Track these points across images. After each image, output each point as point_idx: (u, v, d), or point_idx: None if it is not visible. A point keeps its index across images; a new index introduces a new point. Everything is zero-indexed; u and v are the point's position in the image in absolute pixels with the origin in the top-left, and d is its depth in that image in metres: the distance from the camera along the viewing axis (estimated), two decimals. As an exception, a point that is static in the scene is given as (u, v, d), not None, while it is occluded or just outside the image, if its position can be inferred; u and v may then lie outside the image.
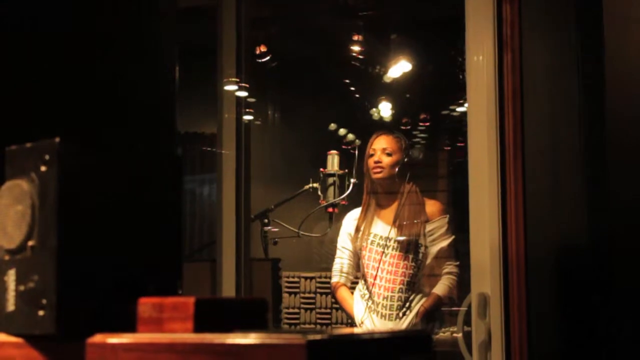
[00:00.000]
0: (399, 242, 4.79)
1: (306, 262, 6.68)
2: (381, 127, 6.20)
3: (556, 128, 3.47)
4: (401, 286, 4.74)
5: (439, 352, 4.66)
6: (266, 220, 5.17)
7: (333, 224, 5.22)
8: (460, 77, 4.85)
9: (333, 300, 5.86)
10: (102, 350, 1.25)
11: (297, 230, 5.29)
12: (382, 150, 4.89)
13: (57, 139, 1.29)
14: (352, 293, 4.97)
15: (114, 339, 1.24)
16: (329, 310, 6.30)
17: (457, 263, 4.85)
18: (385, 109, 7.20)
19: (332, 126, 7.10)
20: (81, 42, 1.98)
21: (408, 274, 4.76)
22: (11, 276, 1.33)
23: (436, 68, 6.78)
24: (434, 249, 4.81)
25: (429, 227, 4.82)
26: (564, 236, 3.38)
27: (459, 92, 5.37)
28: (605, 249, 3.22)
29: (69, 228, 1.29)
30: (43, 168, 1.30)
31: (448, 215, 4.91)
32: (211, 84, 4.41)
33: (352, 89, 7.16)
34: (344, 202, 5.19)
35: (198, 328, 1.24)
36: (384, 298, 4.75)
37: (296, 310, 6.34)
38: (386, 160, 4.86)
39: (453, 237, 4.84)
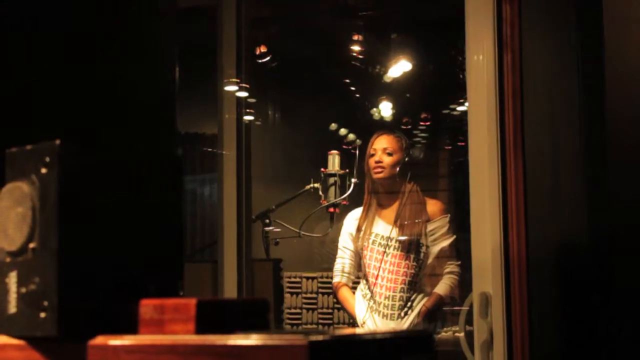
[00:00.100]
0: (400, 241, 4.79)
1: (308, 262, 6.69)
2: (382, 126, 6.21)
3: (556, 128, 3.46)
4: (403, 286, 4.74)
5: (441, 351, 4.66)
6: (267, 221, 5.17)
7: (334, 224, 5.22)
8: (461, 76, 4.85)
9: (335, 300, 5.86)
10: (104, 352, 1.25)
11: (298, 231, 5.29)
12: (382, 150, 4.89)
13: (58, 141, 1.29)
14: (354, 293, 4.97)
15: (115, 341, 1.24)
16: (330, 311, 6.31)
17: (459, 262, 4.85)
18: (385, 109, 7.21)
19: (333, 126, 7.11)
20: (81, 42, 1.98)
21: (409, 273, 4.76)
22: (12, 278, 1.33)
23: (436, 68, 6.79)
24: (435, 249, 4.81)
25: (430, 227, 4.82)
26: (564, 235, 3.38)
27: (459, 92, 5.37)
28: (606, 248, 3.22)
29: (70, 230, 1.29)
30: (43, 170, 1.30)
31: (449, 215, 4.91)
32: (211, 85, 4.41)
33: (353, 88, 7.16)
34: (345, 202, 5.18)
35: (200, 329, 1.24)
36: (385, 298, 4.75)
37: (298, 311, 6.35)
38: (387, 160, 4.86)
39: (454, 236, 4.84)
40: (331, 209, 5.18)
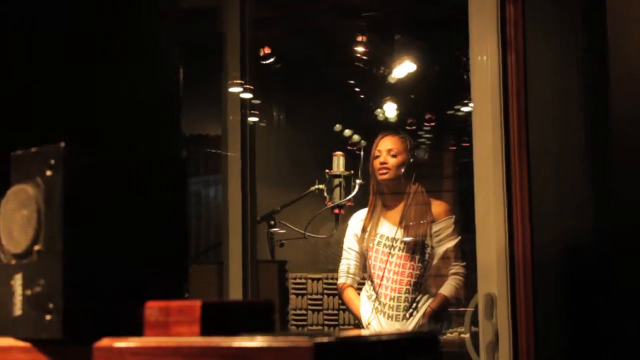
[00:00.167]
0: (405, 242, 4.79)
1: (313, 263, 6.69)
2: (386, 127, 6.20)
3: (561, 128, 3.46)
4: (408, 287, 4.74)
5: (446, 353, 4.66)
6: (272, 222, 5.17)
7: (339, 225, 5.21)
8: (465, 77, 4.85)
9: (340, 301, 5.86)
10: (109, 354, 1.25)
11: (303, 232, 5.29)
12: (387, 151, 4.88)
13: (62, 144, 1.29)
14: (359, 294, 4.97)
15: (120, 343, 1.25)
16: (336, 312, 6.31)
17: (464, 263, 4.84)
18: (390, 110, 7.20)
19: (337, 127, 7.11)
20: (83, 43, 1.98)
21: (414, 274, 4.76)
22: (18, 281, 1.33)
23: (441, 68, 6.79)
24: (441, 250, 4.81)
25: (435, 228, 4.82)
26: (569, 236, 3.37)
27: (463, 92, 5.37)
28: (610, 249, 3.22)
29: (75, 232, 1.29)
30: (48, 172, 1.30)
31: (454, 216, 4.91)
32: (215, 86, 4.41)
33: (357, 89, 7.16)
34: (350, 203, 5.18)
35: (205, 331, 1.24)
36: (390, 299, 4.75)
37: (303, 312, 6.35)
38: (392, 161, 4.86)
39: (459, 237, 4.84)
40: (336, 210, 5.17)
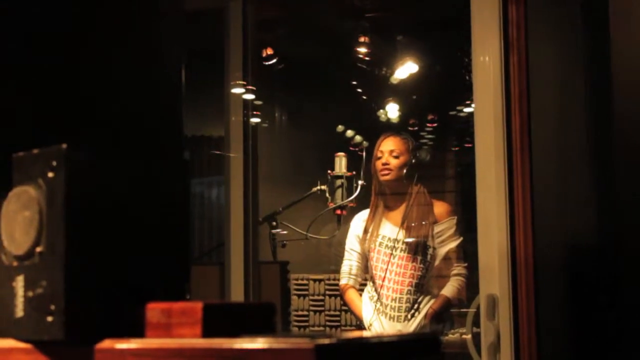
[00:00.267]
0: (407, 243, 4.79)
1: (315, 264, 6.69)
2: (388, 128, 6.20)
3: (563, 128, 3.46)
4: (409, 288, 4.74)
5: (448, 353, 4.66)
6: (274, 223, 5.17)
7: (341, 226, 5.22)
8: (467, 78, 4.85)
9: (342, 302, 5.86)
10: (111, 355, 1.25)
11: (305, 233, 5.30)
12: (389, 152, 4.89)
13: (64, 145, 1.29)
14: (361, 295, 4.97)
15: (122, 345, 1.25)
16: (338, 313, 6.31)
17: (466, 264, 4.84)
18: (392, 111, 7.21)
19: (340, 128, 7.11)
20: (84, 44, 1.99)
21: (416, 275, 4.76)
22: (20, 282, 1.33)
23: (443, 69, 6.79)
24: (442, 251, 4.81)
25: (437, 229, 4.82)
26: (572, 237, 3.37)
27: (465, 93, 5.37)
28: (613, 249, 3.22)
29: (77, 234, 1.29)
30: (50, 174, 1.30)
31: (456, 217, 4.91)
32: (218, 87, 4.41)
33: (359, 90, 7.16)
34: (352, 204, 5.19)
35: (206, 333, 1.25)
36: (392, 300, 4.75)
37: (305, 313, 6.34)
38: (394, 162, 4.86)
39: (461, 238, 4.84)
40: (338, 211, 5.18)
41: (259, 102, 4.73)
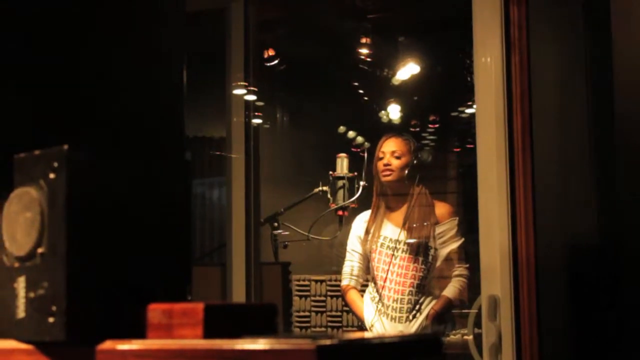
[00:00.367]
0: (408, 244, 4.79)
1: (316, 265, 6.69)
2: (390, 129, 6.20)
3: (564, 129, 3.46)
4: (411, 289, 4.74)
5: (450, 354, 4.65)
6: (276, 224, 5.18)
7: (343, 226, 5.22)
8: (469, 79, 4.85)
9: (344, 303, 5.85)
10: (112, 356, 1.25)
11: (307, 234, 5.30)
12: (391, 153, 4.88)
13: (66, 146, 1.29)
14: (362, 296, 4.97)
15: (124, 345, 1.25)
16: (339, 313, 6.30)
17: (467, 265, 4.84)
18: (394, 112, 7.21)
19: (341, 129, 7.11)
20: (85, 45, 1.98)
21: (418, 276, 4.76)
22: (21, 283, 1.33)
23: (444, 70, 6.78)
24: (444, 252, 4.80)
25: (438, 230, 4.82)
26: (573, 237, 3.37)
27: (467, 94, 5.37)
28: (614, 250, 3.22)
29: (78, 235, 1.29)
30: (52, 175, 1.30)
31: (457, 218, 4.91)
32: (220, 88, 4.42)
33: (361, 91, 7.16)
34: (353, 205, 5.19)
35: (208, 334, 1.25)
36: (393, 301, 4.75)
37: (307, 314, 6.34)
38: (395, 163, 4.86)
39: (463, 239, 4.84)
40: (340, 212, 5.18)
41: (260, 103, 4.74)
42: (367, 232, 4.96)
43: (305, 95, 7.35)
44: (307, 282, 6.37)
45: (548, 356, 3.35)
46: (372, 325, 4.78)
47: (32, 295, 1.31)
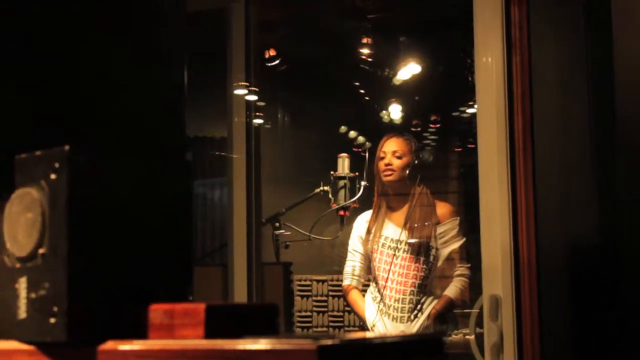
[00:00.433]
0: (410, 244, 4.78)
1: (318, 265, 6.69)
2: (391, 129, 6.20)
3: (566, 129, 3.46)
4: (412, 289, 4.74)
5: (451, 354, 4.65)
6: (277, 224, 5.18)
7: (344, 226, 5.22)
8: (470, 78, 4.85)
9: (345, 303, 5.86)
10: (114, 357, 1.25)
11: (308, 234, 5.30)
12: (392, 152, 4.88)
13: (67, 147, 1.29)
14: (364, 296, 4.97)
15: (125, 346, 1.25)
16: (341, 313, 6.31)
17: (469, 265, 4.84)
18: (395, 111, 7.20)
19: (343, 129, 7.11)
20: (86, 45, 1.98)
21: (419, 276, 4.75)
22: (22, 284, 1.33)
23: (445, 70, 6.78)
24: (445, 251, 4.80)
25: (440, 230, 4.81)
26: (574, 237, 3.37)
27: (468, 94, 5.37)
28: (615, 250, 3.22)
29: (79, 235, 1.29)
30: (53, 176, 1.30)
31: (459, 217, 4.90)
32: (221, 88, 4.42)
33: (362, 91, 7.16)
34: (354, 205, 5.19)
35: (209, 334, 1.25)
36: (395, 300, 4.75)
37: (308, 314, 6.34)
38: (397, 163, 4.86)
39: (464, 239, 4.84)
40: (341, 212, 5.18)
41: (261, 103, 4.73)
42: (368, 232, 4.96)
43: (306, 95, 7.34)
44: (308, 282, 6.37)
45: (550, 355, 3.35)
46: (373, 325, 4.78)
47: (33, 295, 1.31)
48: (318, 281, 6.37)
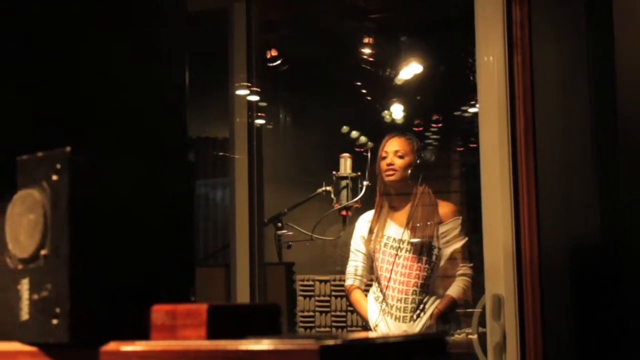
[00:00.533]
0: (412, 244, 4.78)
1: (320, 265, 6.68)
2: (393, 129, 6.19)
3: (568, 128, 3.46)
4: (415, 288, 4.74)
5: (454, 354, 4.65)
6: (280, 224, 5.18)
7: (346, 226, 5.22)
8: (471, 78, 4.85)
9: (348, 303, 5.85)
10: (116, 358, 1.25)
11: (310, 234, 5.30)
12: (394, 152, 4.88)
13: (68, 148, 1.29)
14: (366, 296, 4.97)
15: (127, 347, 1.25)
16: (344, 314, 6.30)
17: (471, 265, 4.84)
18: (396, 111, 7.20)
19: (344, 129, 7.11)
20: (87, 46, 1.98)
21: (422, 276, 4.75)
22: (25, 285, 1.33)
23: (447, 69, 6.78)
24: (448, 251, 4.80)
25: (442, 229, 4.81)
26: (577, 236, 3.37)
27: (470, 93, 5.37)
28: (618, 250, 3.22)
29: (81, 236, 1.29)
30: (54, 177, 1.30)
31: (461, 217, 4.90)
32: (222, 89, 4.42)
33: (364, 91, 7.16)
34: (357, 205, 5.18)
35: (211, 335, 1.25)
36: (397, 300, 4.74)
37: (311, 314, 6.34)
38: (398, 163, 4.86)
39: (466, 238, 4.83)
40: (343, 212, 5.18)
41: (263, 104, 4.73)
42: (370, 231, 4.96)
43: (308, 95, 7.34)
44: (311, 282, 6.37)
45: (552, 355, 3.35)
46: (376, 325, 4.78)
47: (35, 297, 1.31)
48: (320, 281, 6.36)
